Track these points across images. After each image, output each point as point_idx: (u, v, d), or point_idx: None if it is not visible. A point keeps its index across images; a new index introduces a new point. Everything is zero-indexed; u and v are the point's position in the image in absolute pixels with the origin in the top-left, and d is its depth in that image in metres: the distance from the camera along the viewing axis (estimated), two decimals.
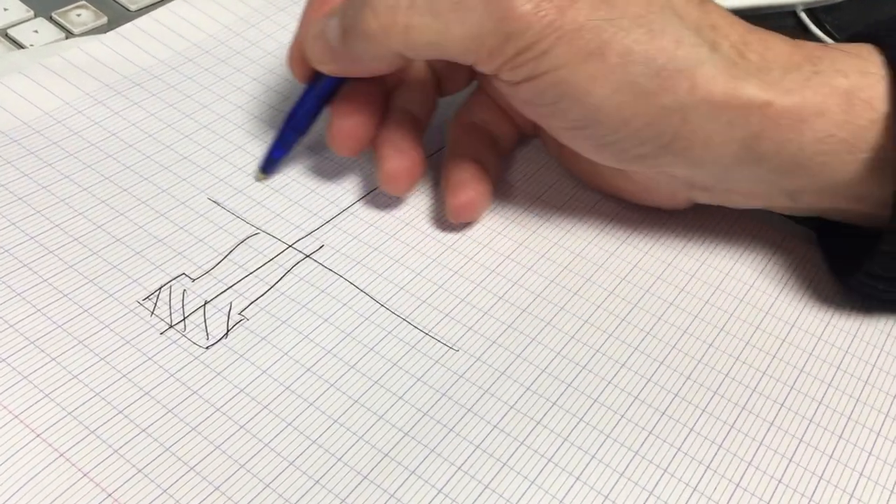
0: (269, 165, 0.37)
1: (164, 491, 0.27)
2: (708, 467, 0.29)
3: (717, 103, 0.30)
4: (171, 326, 0.31)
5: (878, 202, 0.31)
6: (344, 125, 0.35)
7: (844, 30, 0.49)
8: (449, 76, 0.38)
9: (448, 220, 0.36)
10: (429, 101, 0.38)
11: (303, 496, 0.27)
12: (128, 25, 0.44)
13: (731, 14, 0.31)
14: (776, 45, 0.31)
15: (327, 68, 0.34)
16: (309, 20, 0.35)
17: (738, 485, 0.28)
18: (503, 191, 0.38)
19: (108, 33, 0.43)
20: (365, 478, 0.28)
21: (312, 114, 0.37)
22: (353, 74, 0.35)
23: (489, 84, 0.37)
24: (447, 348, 0.32)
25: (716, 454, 0.29)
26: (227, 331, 0.32)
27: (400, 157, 0.35)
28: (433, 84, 0.38)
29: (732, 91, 0.30)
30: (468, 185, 0.35)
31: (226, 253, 0.34)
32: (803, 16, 0.50)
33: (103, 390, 0.29)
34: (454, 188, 0.35)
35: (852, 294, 0.34)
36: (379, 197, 0.37)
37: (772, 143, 0.30)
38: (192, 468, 0.28)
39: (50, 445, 0.28)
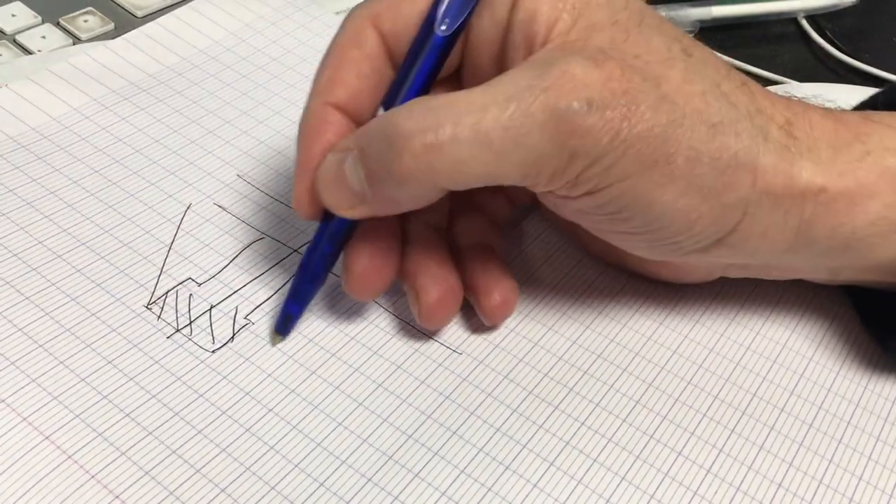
0: (286, 326, 0.32)
1: (171, 493, 0.27)
2: (709, 471, 0.29)
3: (776, 194, 0.28)
4: (177, 330, 0.32)
5: None
6: (364, 268, 0.31)
7: (846, 37, 0.49)
8: None
9: (490, 324, 0.33)
10: (445, 206, 0.34)
11: (307, 498, 0.28)
12: (134, 31, 0.44)
13: (770, 91, 0.30)
14: (820, 122, 0.30)
15: (352, 214, 0.29)
16: (309, 156, 0.30)
17: (738, 488, 0.29)
18: None
19: (114, 39, 0.44)
20: (369, 480, 0.28)
21: (330, 260, 0.31)
22: (383, 214, 0.30)
23: None
24: (451, 351, 0.32)
25: (716, 458, 0.30)
26: (233, 335, 0.32)
27: (437, 286, 0.31)
28: None
29: (790, 180, 0.28)
30: (499, 286, 0.32)
31: (231, 258, 0.35)
32: (804, 23, 0.50)
33: (110, 393, 0.30)
34: (486, 292, 0.32)
35: (888, 351, 0.33)
36: None
37: (824, 228, 0.29)
38: (198, 470, 0.28)
39: (58, 447, 0.28)
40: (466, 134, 0.26)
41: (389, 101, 0.30)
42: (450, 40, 0.29)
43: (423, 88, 0.30)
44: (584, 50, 0.27)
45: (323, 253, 0.31)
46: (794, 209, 0.29)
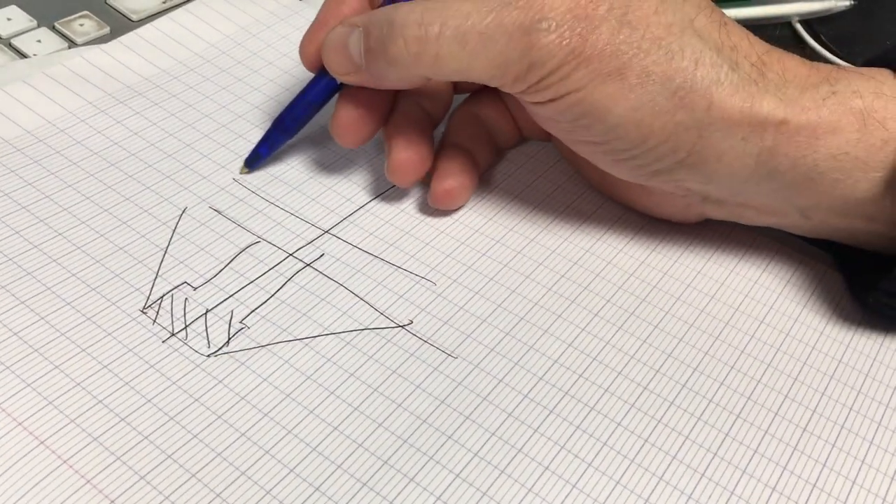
0: (254, 162, 0.38)
1: (166, 498, 0.27)
2: (703, 475, 0.29)
3: (732, 120, 0.30)
4: (172, 335, 0.32)
5: (891, 221, 0.32)
6: (348, 116, 0.36)
7: (840, 41, 0.49)
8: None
9: (432, 206, 0.37)
10: (444, 99, 0.39)
11: (303, 503, 0.28)
12: (130, 34, 0.44)
13: (752, 34, 0.32)
14: (794, 66, 0.32)
15: (345, 79, 0.35)
16: (327, 18, 0.35)
17: (732, 492, 0.29)
18: (504, 198, 0.38)
19: (109, 42, 0.44)
20: (364, 485, 0.28)
21: (302, 119, 0.38)
22: (371, 86, 0.35)
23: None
24: (446, 356, 0.32)
25: (710, 462, 0.30)
26: (229, 339, 0.32)
27: (408, 148, 0.36)
28: (449, 83, 0.39)
29: (749, 109, 0.30)
30: (453, 174, 0.37)
31: (227, 261, 0.35)
32: (799, 27, 0.50)
33: (106, 398, 0.30)
34: (440, 175, 0.37)
35: (871, 314, 0.34)
36: (379, 207, 0.38)
37: (786, 158, 0.31)
38: (193, 475, 0.28)
39: (53, 452, 0.28)
40: (449, 34, 0.31)
41: None
42: None
43: None
44: None
45: (298, 113, 0.38)
46: (753, 137, 0.31)
